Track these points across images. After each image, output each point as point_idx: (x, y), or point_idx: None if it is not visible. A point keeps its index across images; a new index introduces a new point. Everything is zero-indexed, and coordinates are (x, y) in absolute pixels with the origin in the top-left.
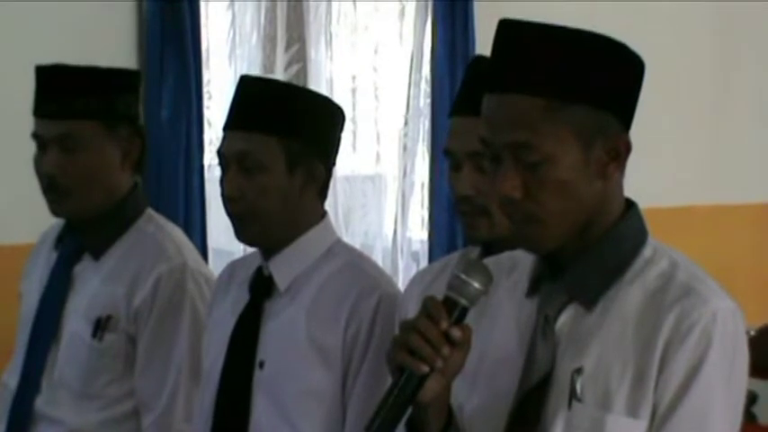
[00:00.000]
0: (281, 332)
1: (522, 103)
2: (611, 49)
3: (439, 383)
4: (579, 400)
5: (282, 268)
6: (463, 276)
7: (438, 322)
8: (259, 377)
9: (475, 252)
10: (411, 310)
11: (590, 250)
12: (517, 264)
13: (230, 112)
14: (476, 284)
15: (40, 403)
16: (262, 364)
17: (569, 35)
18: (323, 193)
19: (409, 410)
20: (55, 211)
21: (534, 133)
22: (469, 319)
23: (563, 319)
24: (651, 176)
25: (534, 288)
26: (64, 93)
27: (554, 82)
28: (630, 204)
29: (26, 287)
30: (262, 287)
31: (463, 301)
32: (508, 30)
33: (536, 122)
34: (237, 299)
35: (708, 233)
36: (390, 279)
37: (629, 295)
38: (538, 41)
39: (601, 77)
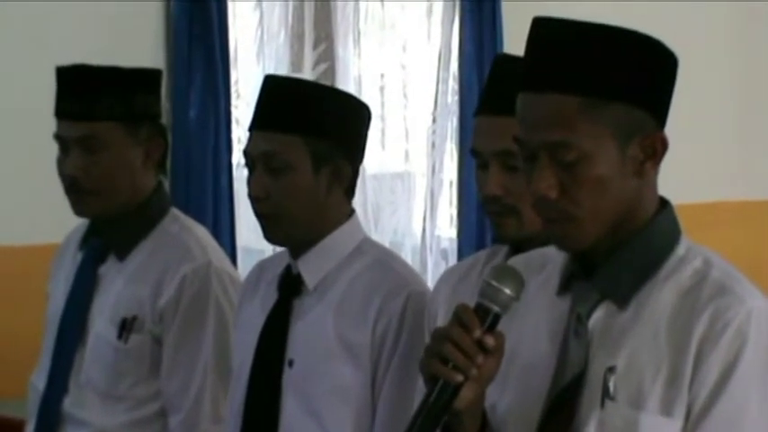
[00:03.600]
0: (310, 331)
1: (559, 102)
2: (647, 45)
3: (473, 391)
4: (612, 399)
5: (311, 267)
6: (495, 283)
7: (471, 330)
8: (288, 376)
9: (502, 251)
10: (440, 309)
11: (623, 248)
12: (547, 261)
13: (255, 112)
14: (507, 291)
15: (68, 404)
16: (291, 363)
17: (605, 32)
18: (350, 191)
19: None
20: (78, 211)
21: (572, 132)
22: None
23: (595, 318)
24: (678, 173)
25: (566, 286)
26: (85, 93)
27: (591, 80)
28: (664, 203)
29: (52, 288)
30: (290, 286)
31: (495, 308)
32: (542, 28)
33: (573, 121)
34: (266, 298)
35: (736, 229)
36: (419, 277)
37: (663, 293)
38: (573, 39)
39: (638, 75)
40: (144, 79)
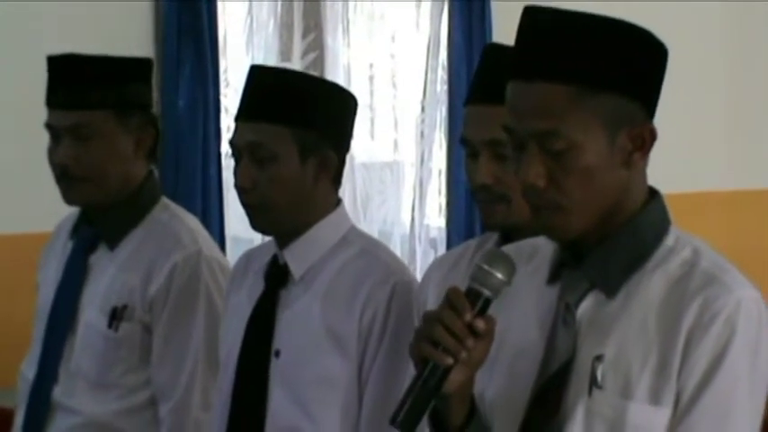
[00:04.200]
0: (297, 321)
1: (550, 91)
2: (637, 36)
3: (463, 375)
4: (600, 388)
5: (297, 257)
6: (486, 267)
7: (462, 314)
8: (275, 366)
9: (492, 240)
10: (430, 297)
11: (612, 238)
12: (537, 251)
13: (241, 102)
14: (499, 275)
15: (58, 393)
16: (278, 353)
17: (595, 22)
18: (337, 181)
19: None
20: (68, 199)
21: (562, 121)
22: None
23: (584, 307)
24: (667, 163)
25: (555, 275)
26: (75, 83)
27: (582, 69)
28: (654, 193)
29: (43, 277)
30: (277, 276)
31: (486, 292)
32: (533, 17)
33: (564, 110)
34: (253, 287)
35: (725, 219)
36: (405, 266)
37: (652, 283)
38: (564, 28)
39: (627, 65)
40: (134, 68)
